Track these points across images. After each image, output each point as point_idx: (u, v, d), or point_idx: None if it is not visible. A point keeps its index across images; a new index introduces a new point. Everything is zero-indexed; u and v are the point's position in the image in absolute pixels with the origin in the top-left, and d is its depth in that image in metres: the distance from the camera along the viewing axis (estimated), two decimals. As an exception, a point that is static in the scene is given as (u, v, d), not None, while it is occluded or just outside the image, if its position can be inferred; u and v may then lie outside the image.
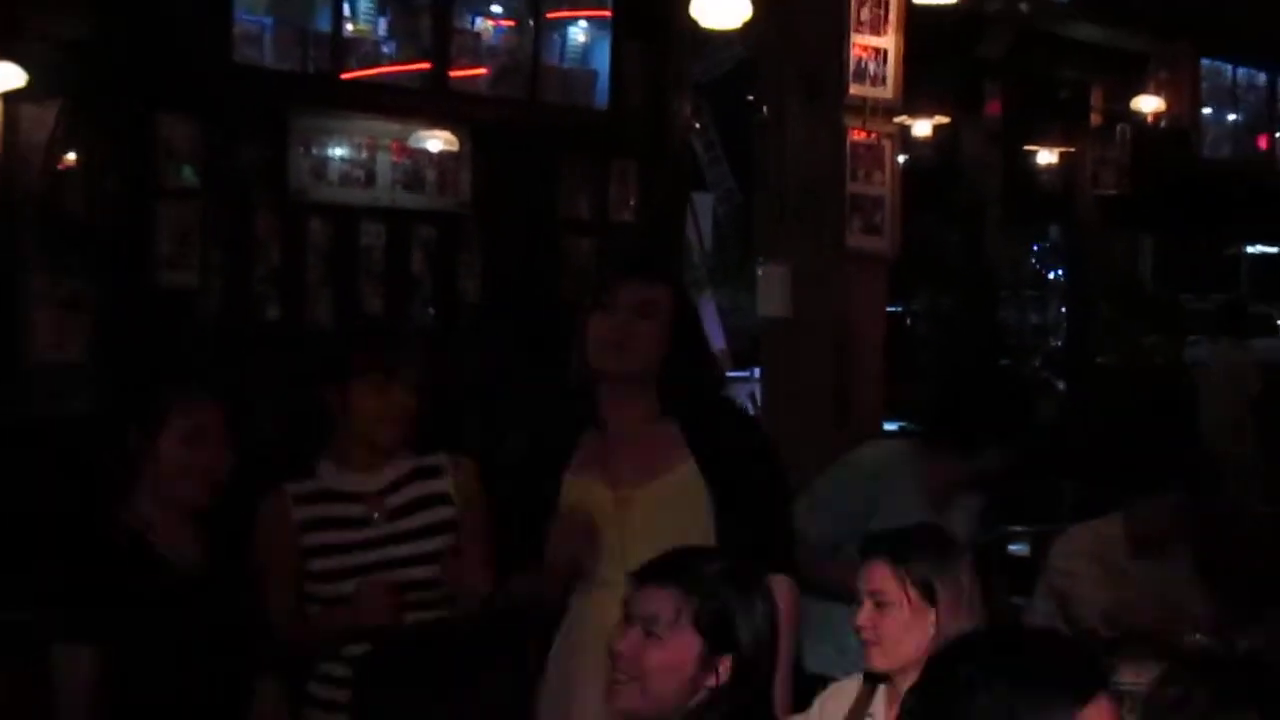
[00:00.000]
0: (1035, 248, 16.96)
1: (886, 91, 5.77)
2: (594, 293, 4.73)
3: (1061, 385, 15.47)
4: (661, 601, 3.52)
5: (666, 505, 4.46)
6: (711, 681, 3.49)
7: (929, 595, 4.07)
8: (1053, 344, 16.21)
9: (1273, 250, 22.49)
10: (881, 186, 5.78)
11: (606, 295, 4.62)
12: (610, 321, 4.54)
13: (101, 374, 8.71)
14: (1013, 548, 9.52)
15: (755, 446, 4.72)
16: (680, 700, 3.48)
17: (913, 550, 4.18)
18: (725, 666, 3.50)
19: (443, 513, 4.78)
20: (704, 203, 12.20)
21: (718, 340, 11.42)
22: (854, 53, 5.70)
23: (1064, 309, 16.17)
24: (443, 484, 4.82)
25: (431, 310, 10.20)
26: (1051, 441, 13.51)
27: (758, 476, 4.60)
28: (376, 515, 4.74)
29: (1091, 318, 15.89)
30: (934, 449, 5.54)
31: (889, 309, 11.66)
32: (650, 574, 3.61)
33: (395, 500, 4.76)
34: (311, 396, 4.84)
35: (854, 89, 5.68)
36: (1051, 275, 16.88)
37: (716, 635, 3.49)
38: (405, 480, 4.80)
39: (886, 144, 5.79)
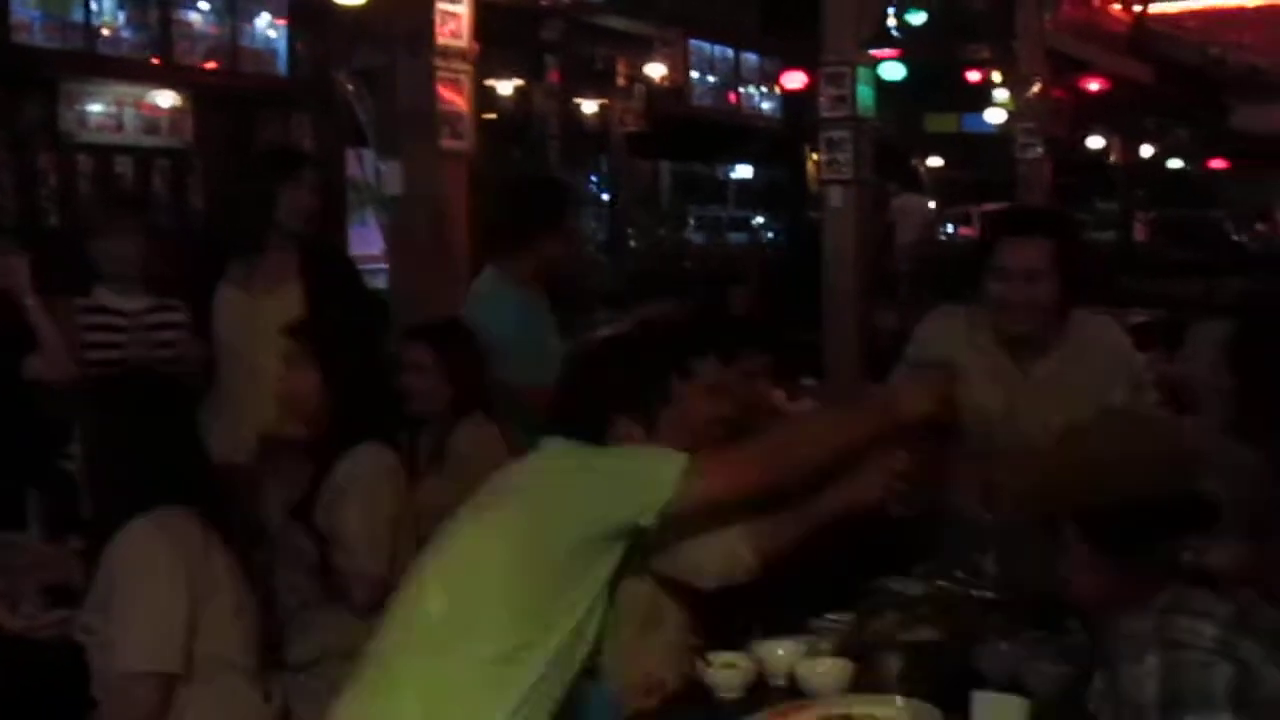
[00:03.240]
0: (595, 177, 17.12)
1: (462, 41, 5.82)
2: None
3: (606, 260, 15.78)
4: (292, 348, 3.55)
5: (282, 310, 4.31)
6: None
7: None
8: (600, 237, 16.46)
9: (748, 175, 23.08)
10: (461, 107, 5.84)
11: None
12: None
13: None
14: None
15: (344, 272, 4.90)
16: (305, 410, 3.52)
17: None
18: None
19: (171, 334, 4.78)
20: (368, 156, 12.16)
21: (378, 244, 11.34)
22: (438, 16, 5.72)
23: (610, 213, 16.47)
24: (178, 316, 4.82)
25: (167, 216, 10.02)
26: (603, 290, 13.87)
27: (348, 292, 4.75)
28: (129, 325, 4.73)
29: (626, 219, 16.27)
30: None
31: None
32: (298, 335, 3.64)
33: (148, 319, 4.77)
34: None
35: (440, 39, 5.71)
36: (605, 196, 17.07)
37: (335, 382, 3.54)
38: (154, 309, 4.80)
39: (464, 78, 5.84)
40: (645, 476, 2.60)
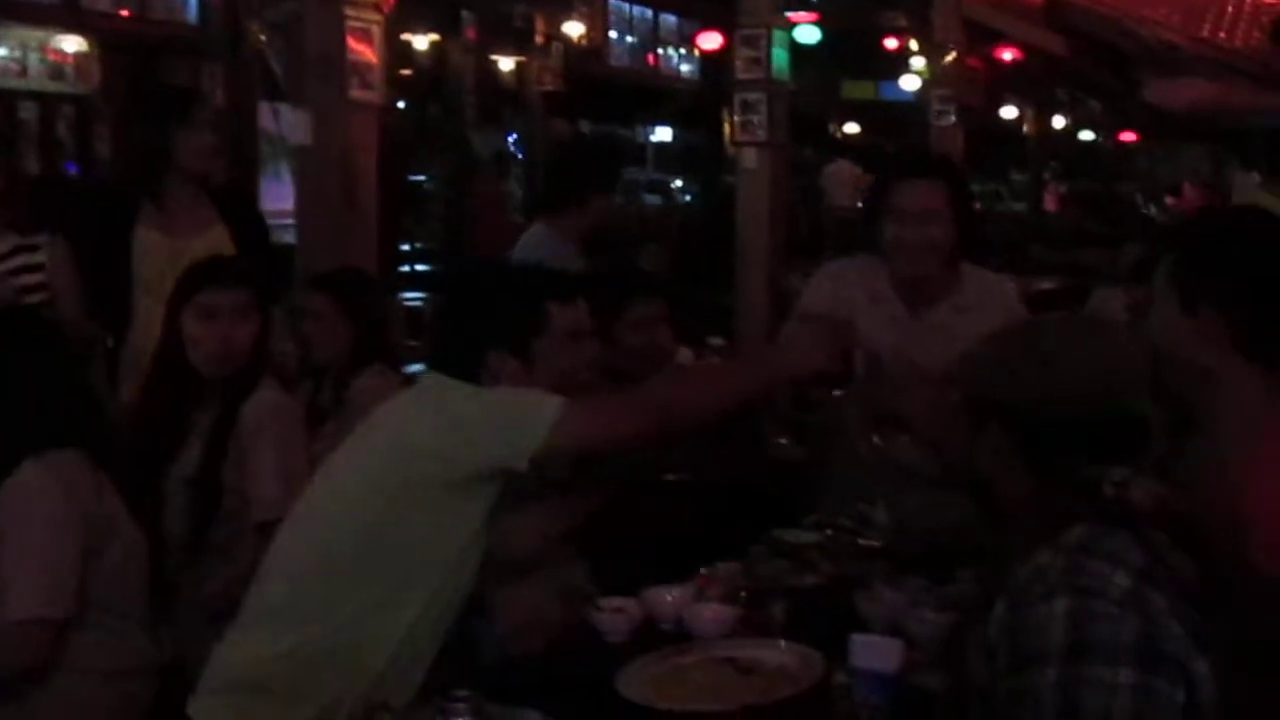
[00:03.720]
0: (512, 137, 17.00)
1: (372, -8, 5.76)
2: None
3: (523, 221, 15.71)
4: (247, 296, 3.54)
5: (209, 249, 4.45)
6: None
7: None
8: (517, 197, 16.39)
9: (667, 138, 23.06)
10: (371, 57, 5.78)
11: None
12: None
13: None
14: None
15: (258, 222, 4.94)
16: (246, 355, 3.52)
17: None
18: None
19: (37, 276, 4.69)
20: (285, 111, 12.00)
21: (290, 199, 11.22)
22: (349, -33, 5.66)
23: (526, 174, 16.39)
24: (40, 257, 4.72)
25: (73, 165, 9.85)
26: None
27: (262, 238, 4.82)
28: None
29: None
30: None
31: (413, 178, 11.80)
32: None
33: (11, 263, 4.69)
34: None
35: (351, -10, 5.65)
36: (521, 156, 16.96)
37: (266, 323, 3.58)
38: (11, 252, 4.71)
39: (375, 28, 5.78)
40: (518, 420, 2.57)
